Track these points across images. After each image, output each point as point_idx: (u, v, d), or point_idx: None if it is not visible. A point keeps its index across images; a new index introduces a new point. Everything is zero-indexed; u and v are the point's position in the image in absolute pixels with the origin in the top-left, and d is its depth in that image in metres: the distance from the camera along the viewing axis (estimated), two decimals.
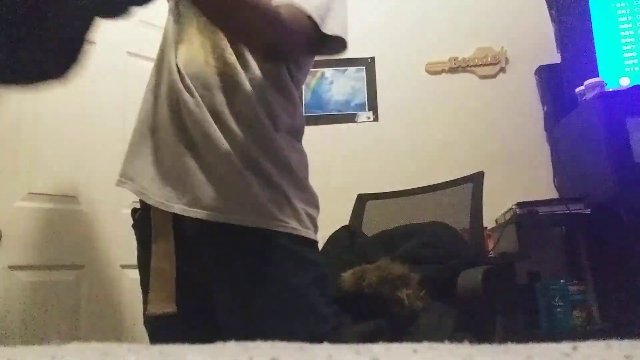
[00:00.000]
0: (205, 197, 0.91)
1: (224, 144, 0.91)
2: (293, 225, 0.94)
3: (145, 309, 0.99)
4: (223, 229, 0.91)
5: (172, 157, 0.95)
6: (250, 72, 0.95)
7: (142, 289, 1.02)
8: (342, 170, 2.49)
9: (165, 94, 0.97)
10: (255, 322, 0.89)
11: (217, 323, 0.92)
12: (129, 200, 1.92)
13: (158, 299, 0.91)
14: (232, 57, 0.94)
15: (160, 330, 0.93)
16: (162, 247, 0.94)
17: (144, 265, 0.99)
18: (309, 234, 0.97)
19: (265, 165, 0.93)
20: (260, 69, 0.96)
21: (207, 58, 0.95)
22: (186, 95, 0.93)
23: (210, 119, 0.92)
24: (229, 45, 0.95)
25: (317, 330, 0.91)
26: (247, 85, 0.94)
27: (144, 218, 0.99)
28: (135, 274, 1.89)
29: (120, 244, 1.84)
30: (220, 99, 0.93)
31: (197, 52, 0.96)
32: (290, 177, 0.96)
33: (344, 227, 1.85)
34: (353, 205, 2.05)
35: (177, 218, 0.94)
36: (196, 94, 0.93)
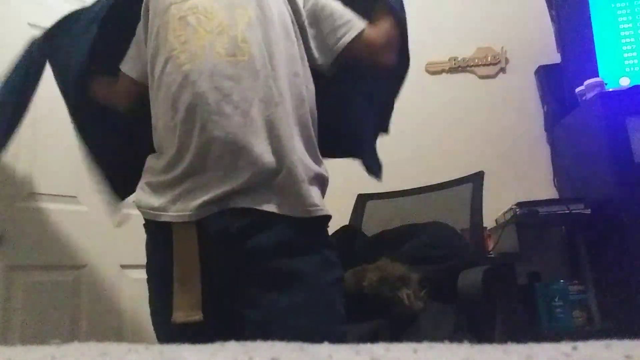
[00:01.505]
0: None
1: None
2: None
3: (154, 312, 0.99)
4: (252, 225, 0.92)
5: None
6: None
7: (153, 291, 1.00)
8: (342, 170, 2.48)
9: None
10: (282, 318, 0.90)
11: (239, 328, 0.92)
12: (130, 200, 1.92)
13: (184, 306, 0.91)
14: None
15: (183, 337, 0.92)
16: (185, 252, 0.92)
17: (160, 268, 0.98)
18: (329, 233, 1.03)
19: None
20: None
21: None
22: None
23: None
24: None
25: (338, 330, 0.94)
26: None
27: (160, 220, 0.96)
28: (135, 274, 1.90)
29: (120, 244, 1.84)
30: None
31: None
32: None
33: (344, 227, 1.85)
34: (353, 205, 2.05)
35: (199, 220, 0.93)
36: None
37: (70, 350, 0.31)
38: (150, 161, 1.02)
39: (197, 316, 0.90)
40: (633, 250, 1.86)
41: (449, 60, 2.67)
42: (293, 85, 0.97)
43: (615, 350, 0.28)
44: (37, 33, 1.84)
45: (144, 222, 1.03)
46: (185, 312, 0.90)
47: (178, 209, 0.93)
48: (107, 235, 1.84)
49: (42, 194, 1.75)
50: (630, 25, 2.29)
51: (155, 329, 1.00)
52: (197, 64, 0.91)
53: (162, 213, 0.95)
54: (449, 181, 1.91)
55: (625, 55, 2.27)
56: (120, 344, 0.33)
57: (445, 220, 1.76)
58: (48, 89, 1.82)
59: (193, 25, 0.94)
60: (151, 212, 0.97)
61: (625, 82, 2.23)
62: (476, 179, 1.79)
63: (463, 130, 2.59)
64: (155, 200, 0.96)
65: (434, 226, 1.75)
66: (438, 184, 1.94)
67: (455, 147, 2.57)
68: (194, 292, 0.91)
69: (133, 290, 1.87)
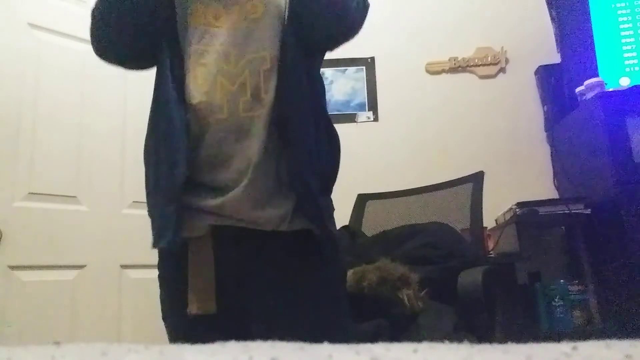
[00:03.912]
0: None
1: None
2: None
3: (167, 308, 1.02)
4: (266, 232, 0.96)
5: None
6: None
7: (165, 288, 1.03)
8: (342, 170, 2.48)
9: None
10: (288, 313, 0.95)
11: (250, 324, 0.97)
12: (129, 200, 1.93)
13: (198, 299, 0.94)
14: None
15: (196, 330, 0.95)
16: (201, 247, 0.96)
17: (174, 264, 1.01)
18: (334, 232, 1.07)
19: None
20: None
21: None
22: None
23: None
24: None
25: (344, 324, 1.00)
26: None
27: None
28: (135, 274, 1.90)
29: (120, 244, 1.84)
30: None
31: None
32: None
33: (344, 227, 1.85)
34: (353, 205, 2.05)
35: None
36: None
37: (70, 350, 0.31)
38: None
39: (211, 308, 0.93)
40: (633, 250, 1.86)
41: (449, 60, 2.67)
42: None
43: (615, 350, 0.28)
44: (37, 33, 1.84)
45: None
46: (199, 305, 0.94)
47: (193, 226, 0.97)
48: (107, 235, 1.84)
49: (42, 194, 1.75)
50: (630, 25, 2.29)
51: (166, 325, 1.03)
52: (222, 121, 0.95)
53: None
54: (449, 181, 1.91)
55: (625, 55, 2.27)
56: (120, 344, 0.33)
57: (445, 221, 1.76)
58: (49, 89, 1.82)
59: (214, 75, 0.96)
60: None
61: (625, 82, 2.23)
62: (476, 179, 1.79)
63: (463, 130, 2.59)
64: None
65: (434, 226, 1.75)
66: (438, 184, 1.94)
67: (455, 147, 2.57)
68: (208, 285, 0.95)
69: (133, 290, 1.87)
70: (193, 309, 0.94)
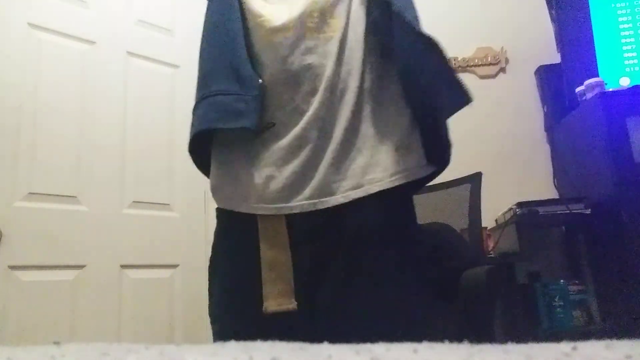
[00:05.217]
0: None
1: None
2: None
3: (220, 304, 0.91)
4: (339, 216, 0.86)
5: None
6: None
7: (224, 281, 0.91)
8: None
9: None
10: (356, 314, 0.83)
11: (320, 324, 0.85)
12: (129, 200, 1.93)
13: (277, 294, 0.83)
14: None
15: (265, 331, 0.83)
16: (274, 236, 0.85)
17: (237, 254, 0.90)
18: None
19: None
20: None
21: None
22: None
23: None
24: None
25: (416, 332, 0.90)
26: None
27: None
28: (135, 274, 1.90)
29: (120, 244, 1.84)
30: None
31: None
32: None
33: None
34: None
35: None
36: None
37: (70, 350, 0.31)
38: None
39: (291, 305, 0.83)
40: (633, 250, 1.86)
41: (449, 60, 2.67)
42: None
43: (615, 350, 0.28)
44: (37, 33, 1.84)
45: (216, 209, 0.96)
46: (277, 301, 0.83)
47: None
48: (107, 235, 1.84)
49: (42, 194, 1.75)
50: (630, 25, 2.29)
51: (217, 326, 0.90)
52: (287, 39, 0.87)
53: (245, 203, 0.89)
54: (447, 182, 1.90)
55: (625, 55, 2.27)
56: (120, 344, 0.33)
57: (444, 221, 1.76)
58: (49, 89, 1.82)
59: (277, 4, 0.91)
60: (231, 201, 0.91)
61: (625, 82, 2.23)
62: (474, 180, 1.79)
63: (463, 130, 2.58)
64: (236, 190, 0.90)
65: (434, 227, 1.75)
66: (437, 184, 1.94)
67: (455, 147, 2.56)
68: (286, 278, 0.84)
69: (133, 290, 1.87)
70: (270, 306, 0.82)
